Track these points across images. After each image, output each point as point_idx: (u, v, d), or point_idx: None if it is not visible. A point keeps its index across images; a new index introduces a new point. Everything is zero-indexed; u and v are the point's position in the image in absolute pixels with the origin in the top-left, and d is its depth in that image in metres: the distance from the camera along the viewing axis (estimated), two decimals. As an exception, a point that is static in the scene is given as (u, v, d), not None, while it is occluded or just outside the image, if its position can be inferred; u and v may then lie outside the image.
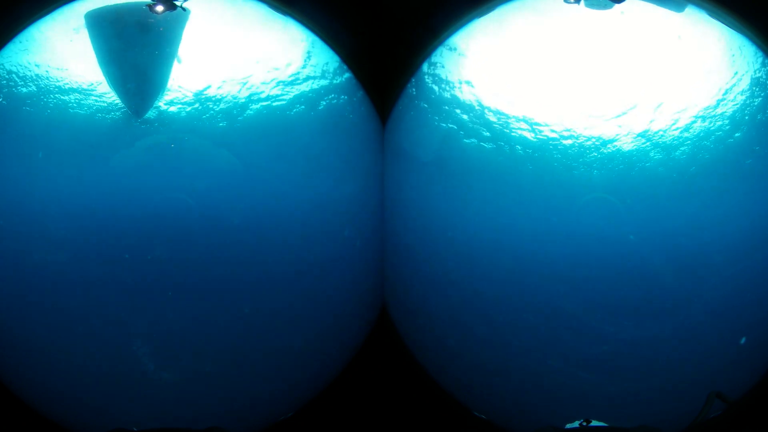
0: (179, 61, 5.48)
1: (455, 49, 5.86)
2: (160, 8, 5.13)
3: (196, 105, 5.68)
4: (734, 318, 5.54)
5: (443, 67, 5.88)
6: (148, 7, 5.13)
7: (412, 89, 5.87)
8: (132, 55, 5.43)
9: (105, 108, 5.56)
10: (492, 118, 6.07)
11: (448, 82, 5.92)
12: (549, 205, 5.95)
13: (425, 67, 5.85)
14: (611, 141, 6.05)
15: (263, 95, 5.75)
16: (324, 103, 5.84)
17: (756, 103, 5.66)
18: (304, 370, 5.67)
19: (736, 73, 5.65)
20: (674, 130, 5.93)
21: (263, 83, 5.76)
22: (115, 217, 5.40)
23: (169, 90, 5.67)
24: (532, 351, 5.76)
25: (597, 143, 6.09)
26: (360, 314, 5.87)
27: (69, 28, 5.40)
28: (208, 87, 5.77)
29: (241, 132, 5.70)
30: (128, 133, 5.57)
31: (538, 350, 5.75)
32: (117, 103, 5.57)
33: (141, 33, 5.37)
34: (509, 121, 6.05)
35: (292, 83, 5.78)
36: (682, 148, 5.89)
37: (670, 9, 5.36)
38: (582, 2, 5.21)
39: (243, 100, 5.74)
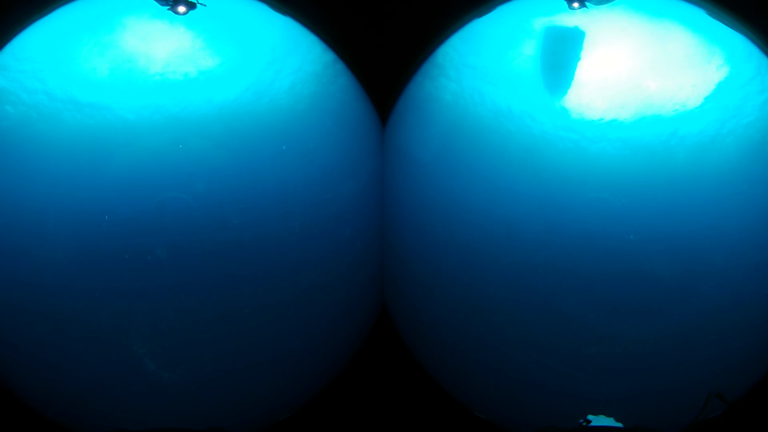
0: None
1: (456, 49, 5.85)
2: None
3: (196, 105, 5.66)
4: (734, 318, 5.55)
5: (444, 67, 5.88)
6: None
7: (412, 89, 5.87)
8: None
9: (105, 107, 5.54)
10: (492, 118, 6.06)
11: (448, 83, 5.91)
12: (549, 205, 5.94)
13: (425, 67, 5.85)
14: (611, 141, 6.04)
15: (263, 95, 5.74)
16: (324, 102, 5.84)
17: (757, 104, 5.67)
18: (304, 370, 5.68)
19: (737, 74, 5.65)
20: (674, 129, 5.92)
21: (263, 83, 5.76)
22: (114, 217, 5.39)
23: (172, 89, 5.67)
24: (531, 351, 5.77)
25: (595, 143, 6.09)
26: (360, 314, 5.89)
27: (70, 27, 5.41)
28: (208, 86, 5.76)
29: (240, 132, 5.69)
30: (128, 133, 5.55)
31: (537, 350, 5.76)
32: (117, 103, 5.56)
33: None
34: (510, 121, 6.04)
35: (291, 83, 5.77)
36: (682, 148, 5.89)
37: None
38: (589, 6, 5.23)
39: (242, 100, 5.73)
